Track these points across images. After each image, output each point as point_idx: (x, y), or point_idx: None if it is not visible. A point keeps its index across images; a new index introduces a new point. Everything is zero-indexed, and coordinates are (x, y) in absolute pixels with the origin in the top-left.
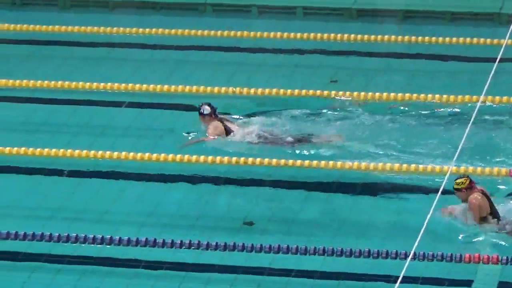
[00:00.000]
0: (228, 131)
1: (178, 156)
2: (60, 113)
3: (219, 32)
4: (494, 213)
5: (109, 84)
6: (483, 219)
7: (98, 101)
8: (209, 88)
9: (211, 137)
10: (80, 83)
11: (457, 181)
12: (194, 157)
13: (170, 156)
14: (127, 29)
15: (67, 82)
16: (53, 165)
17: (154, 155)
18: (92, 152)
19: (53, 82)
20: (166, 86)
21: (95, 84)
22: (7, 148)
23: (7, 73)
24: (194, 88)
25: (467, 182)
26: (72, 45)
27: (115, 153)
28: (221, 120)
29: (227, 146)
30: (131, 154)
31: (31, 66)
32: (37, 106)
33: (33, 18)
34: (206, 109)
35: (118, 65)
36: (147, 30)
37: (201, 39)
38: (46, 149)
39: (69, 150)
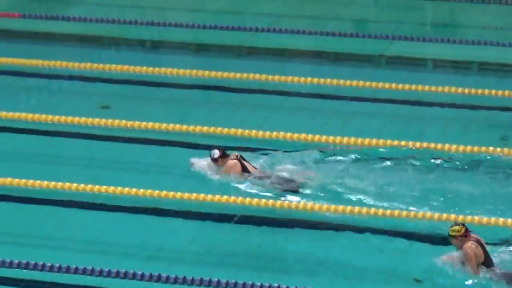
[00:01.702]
0: (244, 169)
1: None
2: None
3: (393, 85)
4: (488, 262)
5: (281, 133)
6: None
7: (266, 148)
8: (381, 141)
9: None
10: (253, 131)
11: (452, 228)
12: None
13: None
14: (302, 78)
15: (240, 130)
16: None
17: (329, 206)
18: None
19: (225, 129)
20: (338, 138)
21: (267, 133)
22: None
23: (180, 117)
24: (367, 140)
25: (463, 230)
26: (247, 92)
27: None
28: (238, 159)
29: (242, 184)
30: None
31: (205, 112)
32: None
33: (209, 64)
34: (216, 153)
35: (291, 113)
36: (322, 80)
37: (375, 91)
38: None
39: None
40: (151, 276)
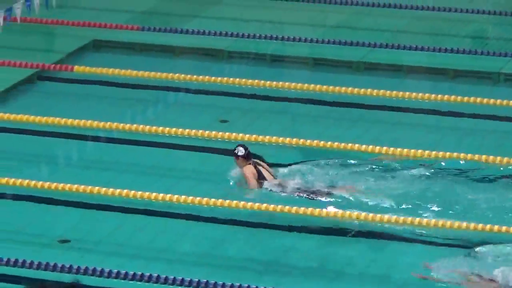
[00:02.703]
0: (260, 176)
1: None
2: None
3: (511, 102)
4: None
5: (398, 149)
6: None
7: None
8: (498, 158)
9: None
10: (370, 146)
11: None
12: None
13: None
14: (419, 94)
15: (356, 145)
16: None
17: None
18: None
19: (343, 144)
20: (455, 154)
21: (384, 148)
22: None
23: (295, 131)
24: (483, 157)
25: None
26: (363, 107)
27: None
28: (255, 165)
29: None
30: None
31: (321, 127)
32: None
33: (326, 79)
34: (241, 151)
35: (408, 129)
36: (439, 96)
37: (493, 108)
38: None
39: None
40: None
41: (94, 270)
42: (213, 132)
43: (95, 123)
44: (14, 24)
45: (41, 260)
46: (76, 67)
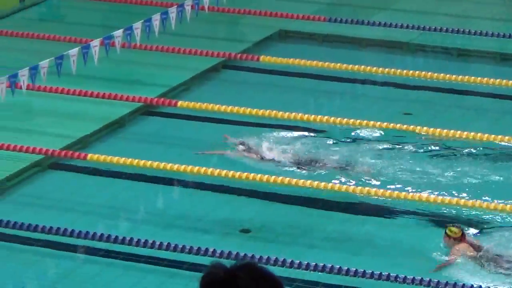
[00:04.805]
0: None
1: None
2: None
3: None
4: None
5: None
6: None
7: None
8: None
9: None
10: None
11: (450, 228)
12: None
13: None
14: None
15: None
16: None
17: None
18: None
19: None
20: None
21: None
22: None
23: (480, 126)
24: None
25: (459, 234)
26: None
27: None
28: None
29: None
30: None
31: (507, 123)
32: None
33: None
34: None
35: None
36: None
37: None
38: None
39: None
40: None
41: (276, 260)
42: (398, 125)
43: (279, 113)
44: (201, 13)
45: (223, 249)
46: (262, 57)
